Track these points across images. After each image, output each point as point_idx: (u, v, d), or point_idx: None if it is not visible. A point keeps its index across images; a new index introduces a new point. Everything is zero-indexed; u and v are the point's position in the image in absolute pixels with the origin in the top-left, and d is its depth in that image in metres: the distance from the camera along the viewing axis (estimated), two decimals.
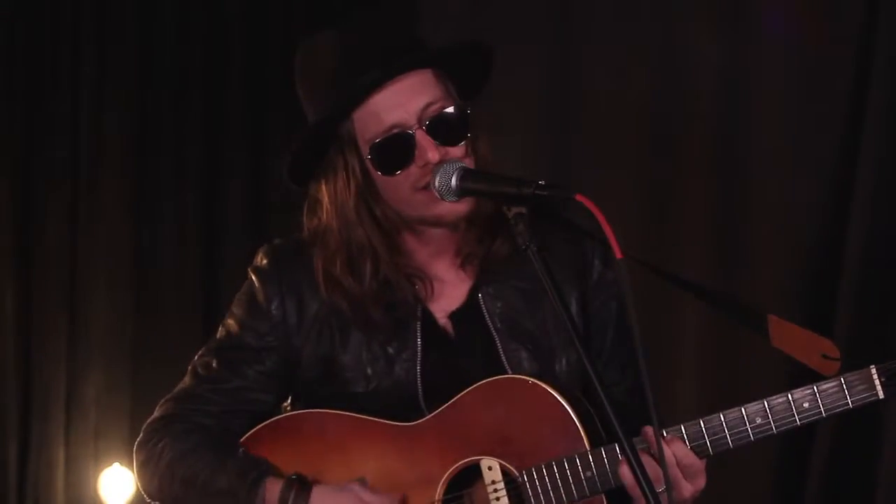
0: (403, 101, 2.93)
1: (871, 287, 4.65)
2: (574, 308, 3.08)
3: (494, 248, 3.05)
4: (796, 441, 4.77)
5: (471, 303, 3.07)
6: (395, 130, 2.93)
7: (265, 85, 5.80)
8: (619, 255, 2.69)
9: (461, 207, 2.95)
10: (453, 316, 3.07)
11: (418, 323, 3.05)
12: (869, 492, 4.68)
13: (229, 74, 5.84)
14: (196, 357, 3.14)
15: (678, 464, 2.84)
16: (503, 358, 3.03)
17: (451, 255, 3.09)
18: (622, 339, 3.12)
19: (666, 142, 5.09)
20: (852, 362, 2.91)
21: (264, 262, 3.12)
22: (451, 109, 2.97)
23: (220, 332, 3.14)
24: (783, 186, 4.89)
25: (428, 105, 2.94)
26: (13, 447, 5.66)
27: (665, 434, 2.86)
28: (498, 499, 2.96)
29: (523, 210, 2.81)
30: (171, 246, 5.79)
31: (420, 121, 2.93)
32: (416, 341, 3.04)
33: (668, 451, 2.83)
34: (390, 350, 3.04)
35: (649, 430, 2.82)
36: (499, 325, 3.05)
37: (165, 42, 5.81)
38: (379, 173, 2.97)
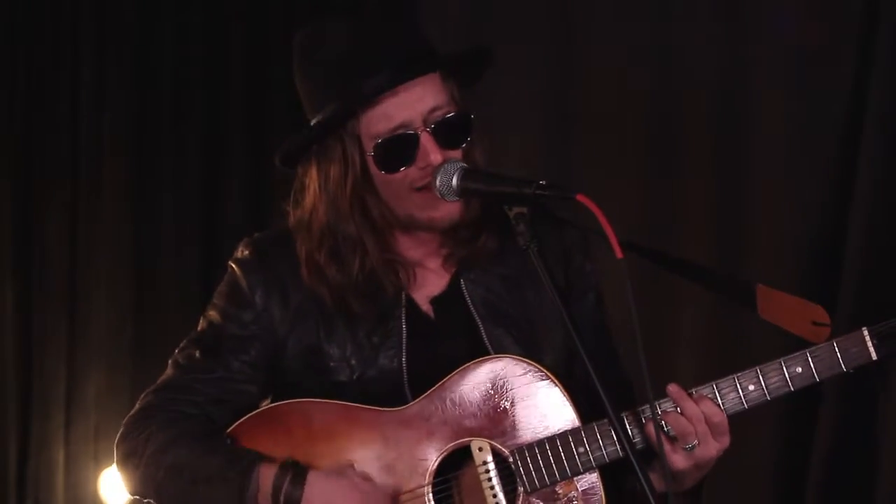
0: (412, 102, 2.96)
1: (871, 287, 4.65)
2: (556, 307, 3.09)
3: (479, 246, 3.08)
4: (796, 442, 4.78)
5: (453, 288, 3.10)
6: (401, 130, 2.96)
7: (265, 85, 5.79)
8: (619, 254, 2.71)
9: (455, 212, 2.98)
10: (435, 301, 3.10)
11: (403, 311, 3.06)
12: (868, 493, 4.69)
13: (229, 74, 5.83)
14: (177, 350, 3.13)
15: (707, 421, 2.88)
16: (487, 342, 3.04)
17: (435, 249, 3.11)
18: (599, 332, 3.14)
19: (666, 142, 5.09)
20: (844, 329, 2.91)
21: (246, 253, 3.13)
22: (455, 114, 2.99)
23: (202, 324, 3.14)
24: (783, 186, 4.89)
25: (434, 109, 2.97)
26: (13, 447, 5.66)
27: (694, 393, 2.91)
28: (489, 479, 2.96)
29: (524, 210, 2.84)
30: (171, 246, 5.79)
31: (425, 123, 2.96)
32: (402, 329, 3.06)
33: (697, 408, 2.88)
34: (375, 339, 3.05)
35: (674, 388, 2.89)
36: (482, 311, 3.07)
37: (165, 42, 5.80)
38: (379, 170, 2.98)
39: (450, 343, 3.05)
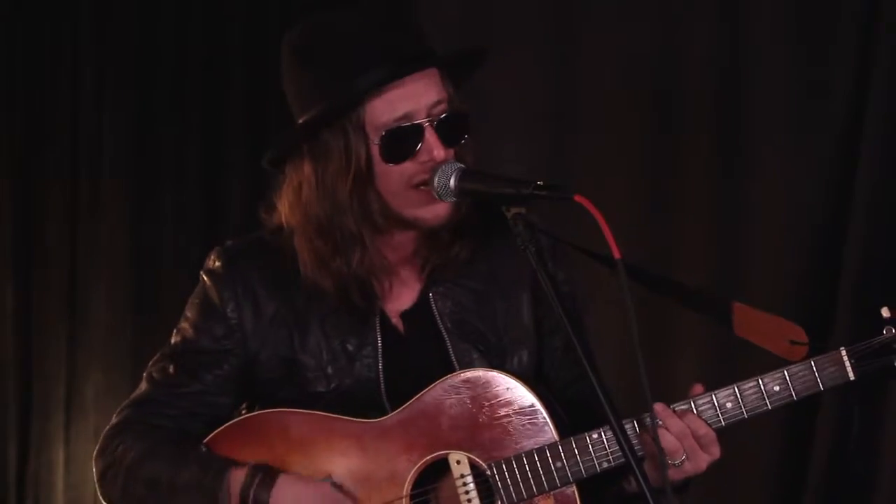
0: (418, 94, 2.95)
1: (871, 288, 4.65)
2: (525, 309, 3.11)
3: (453, 254, 3.06)
4: (796, 444, 4.78)
5: (422, 303, 3.09)
6: (406, 122, 2.95)
7: (266, 85, 5.79)
8: (617, 254, 2.71)
9: (443, 214, 2.97)
10: (405, 315, 3.09)
11: (377, 319, 3.06)
12: (869, 493, 4.69)
13: (229, 74, 5.83)
14: (150, 363, 3.13)
15: (693, 435, 2.90)
16: (453, 357, 3.04)
17: (411, 255, 3.10)
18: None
19: (665, 142, 5.08)
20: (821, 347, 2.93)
21: (217, 264, 3.12)
22: (456, 112, 2.99)
23: (175, 338, 3.13)
24: (783, 186, 4.88)
25: (437, 103, 2.97)
26: (13, 447, 5.66)
27: (676, 409, 2.92)
28: (467, 492, 2.96)
29: (522, 210, 2.83)
30: (171, 246, 5.78)
31: (429, 116, 2.95)
32: (377, 338, 3.05)
33: (682, 424, 2.89)
34: (350, 347, 3.04)
35: (659, 406, 2.90)
36: (449, 326, 3.06)
37: (165, 42, 5.80)
38: (383, 161, 2.97)
39: (420, 356, 3.05)
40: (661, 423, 2.90)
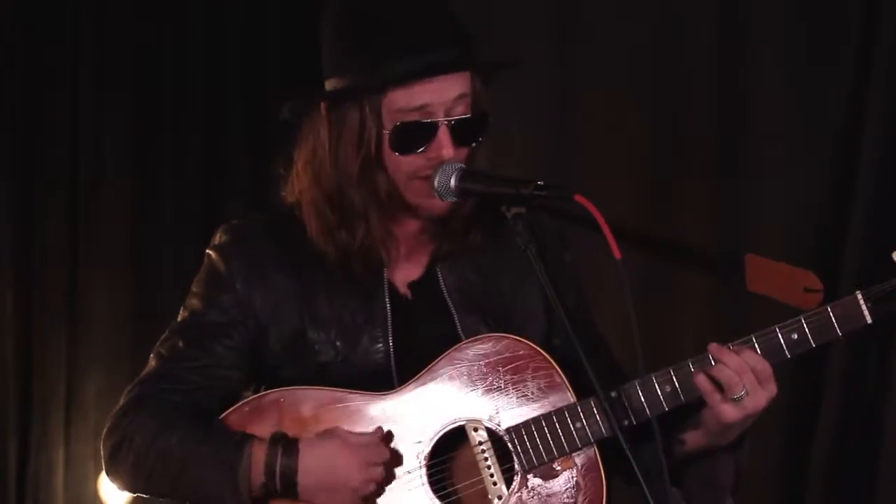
0: (441, 89, 2.94)
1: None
2: (534, 295, 3.11)
3: (466, 243, 3.07)
4: (796, 443, 4.78)
5: (429, 274, 3.09)
6: (423, 115, 2.94)
7: (265, 85, 5.79)
8: (617, 255, 2.71)
9: (441, 207, 2.98)
10: (412, 286, 3.09)
11: (385, 290, 3.06)
12: (869, 493, 4.69)
13: (230, 75, 5.83)
14: (158, 342, 3.10)
15: (752, 370, 2.89)
16: (460, 331, 3.04)
17: (419, 233, 3.09)
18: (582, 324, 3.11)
19: (666, 142, 5.09)
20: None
21: (224, 238, 3.12)
22: (475, 115, 2.98)
23: (183, 314, 3.10)
24: (783, 186, 4.88)
25: (459, 97, 2.96)
26: (13, 447, 5.66)
27: (731, 346, 2.92)
28: (486, 459, 2.95)
29: (523, 210, 2.84)
30: (171, 246, 5.78)
31: (447, 113, 2.95)
32: (385, 308, 3.05)
33: (739, 359, 2.89)
34: (359, 318, 3.04)
35: (714, 346, 2.92)
36: (455, 298, 3.07)
37: (165, 42, 5.80)
38: (392, 150, 2.97)
39: (428, 327, 3.06)
40: (717, 360, 2.91)
